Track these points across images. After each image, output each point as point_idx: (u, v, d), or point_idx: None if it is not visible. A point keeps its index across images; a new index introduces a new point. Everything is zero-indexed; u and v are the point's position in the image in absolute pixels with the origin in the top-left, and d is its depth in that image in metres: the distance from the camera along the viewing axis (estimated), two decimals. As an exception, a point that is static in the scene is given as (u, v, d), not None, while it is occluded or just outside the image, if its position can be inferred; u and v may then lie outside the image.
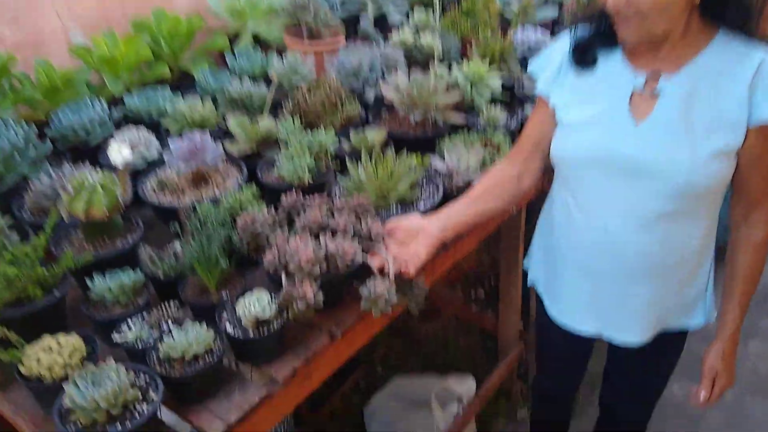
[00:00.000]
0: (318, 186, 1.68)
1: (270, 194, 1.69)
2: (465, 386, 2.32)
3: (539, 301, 1.77)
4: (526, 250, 2.28)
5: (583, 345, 1.81)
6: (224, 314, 1.27)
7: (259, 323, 1.23)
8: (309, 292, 1.22)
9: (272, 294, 1.28)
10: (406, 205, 1.56)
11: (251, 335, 1.21)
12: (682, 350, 1.67)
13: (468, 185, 1.70)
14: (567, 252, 1.55)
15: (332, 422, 2.52)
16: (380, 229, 1.37)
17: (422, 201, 1.57)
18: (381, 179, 1.53)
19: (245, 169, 1.72)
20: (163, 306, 1.29)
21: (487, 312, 2.78)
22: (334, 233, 1.41)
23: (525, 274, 2.35)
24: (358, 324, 1.39)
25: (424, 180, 1.66)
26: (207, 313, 1.28)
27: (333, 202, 1.47)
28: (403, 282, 1.39)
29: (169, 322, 1.25)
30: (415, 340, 2.97)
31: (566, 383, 1.95)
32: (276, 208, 1.45)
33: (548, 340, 1.84)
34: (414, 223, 1.40)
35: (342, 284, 1.36)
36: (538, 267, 1.73)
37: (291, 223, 1.46)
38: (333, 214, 1.46)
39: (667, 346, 1.62)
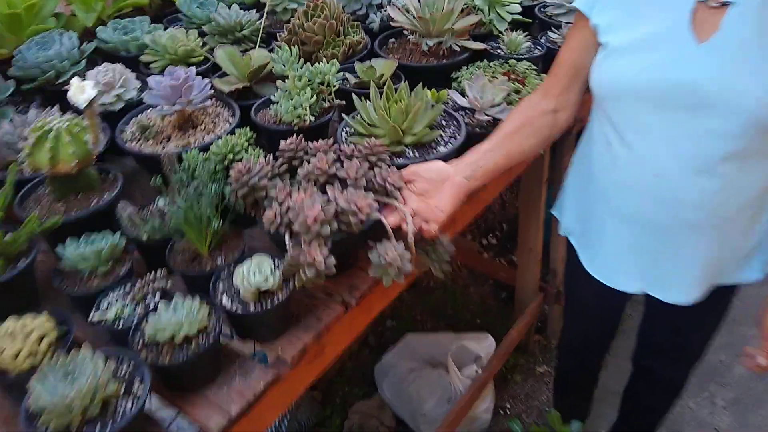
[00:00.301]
0: (321, 127, 1.46)
1: (267, 139, 1.48)
2: (483, 345, 2.16)
3: (571, 252, 1.59)
4: (549, 192, 2.10)
5: (620, 300, 1.64)
6: (220, 285, 1.09)
7: (261, 295, 1.05)
8: (318, 256, 1.03)
9: (275, 260, 1.09)
10: (424, 148, 1.35)
11: (252, 309, 1.03)
12: (730, 306, 1.50)
13: (493, 124, 1.48)
14: (609, 199, 1.35)
15: (340, 380, 2.39)
16: (397, 178, 1.17)
17: (443, 144, 1.36)
18: (395, 118, 1.31)
19: (237, 110, 1.50)
20: (148, 276, 1.09)
21: (500, 261, 2.61)
22: (343, 185, 1.21)
23: (546, 221, 2.17)
24: (375, 289, 1.21)
25: (443, 119, 1.44)
26: (200, 284, 1.09)
27: (340, 147, 1.26)
28: (424, 241, 1.20)
29: (157, 295, 1.06)
30: (424, 291, 2.81)
31: (598, 341, 1.79)
32: (275, 156, 1.24)
33: (581, 296, 1.67)
34: (436, 171, 1.20)
35: (356, 245, 1.17)
36: (571, 215, 1.53)
37: (293, 172, 1.26)
38: (341, 162, 1.25)
39: (716, 302, 1.44)
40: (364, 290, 1.18)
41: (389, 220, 1.13)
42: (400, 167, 1.23)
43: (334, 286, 1.17)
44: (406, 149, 1.34)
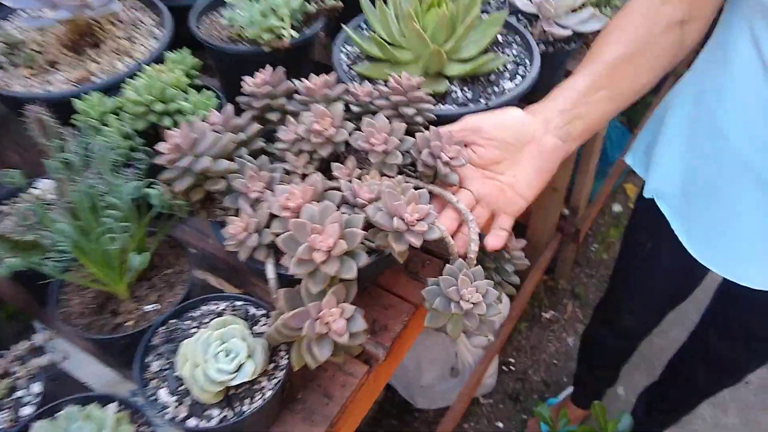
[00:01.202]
0: (304, 48, 0.93)
1: (219, 68, 0.94)
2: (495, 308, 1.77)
3: (645, 217, 1.15)
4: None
5: (698, 281, 1.25)
6: (154, 363, 0.60)
7: (232, 391, 0.57)
8: (337, 320, 0.56)
9: (250, 311, 0.61)
10: (479, 85, 0.84)
11: (216, 422, 0.56)
12: None
13: (574, 41, 0.98)
14: (750, 161, 0.89)
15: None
16: (456, 150, 0.67)
17: (508, 77, 0.85)
18: (433, 33, 0.79)
19: (168, 16, 0.93)
20: (13, 348, 0.60)
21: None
22: (361, 162, 0.71)
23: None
24: (411, 325, 0.75)
25: (500, 34, 0.92)
26: (116, 355, 0.60)
27: (348, 88, 0.74)
28: (490, 258, 0.75)
29: (34, 388, 0.58)
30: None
31: (654, 321, 1.41)
32: (238, 107, 0.72)
33: (650, 275, 1.25)
34: (512, 128, 0.71)
35: (382, 264, 0.70)
36: (669, 174, 1.06)
37: (269, 136, 0.75)
38: (353, 117, 0.74)
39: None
40: (394, 333, 0.72)
41: (454, 243, 0.66)
42: (444, 120, 0.73)
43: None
44: (452, 87, 0.83)
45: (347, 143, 0.69)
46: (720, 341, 1.31)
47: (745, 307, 1.18)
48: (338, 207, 0.64)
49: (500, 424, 1.87)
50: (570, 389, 1.83)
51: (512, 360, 2.05)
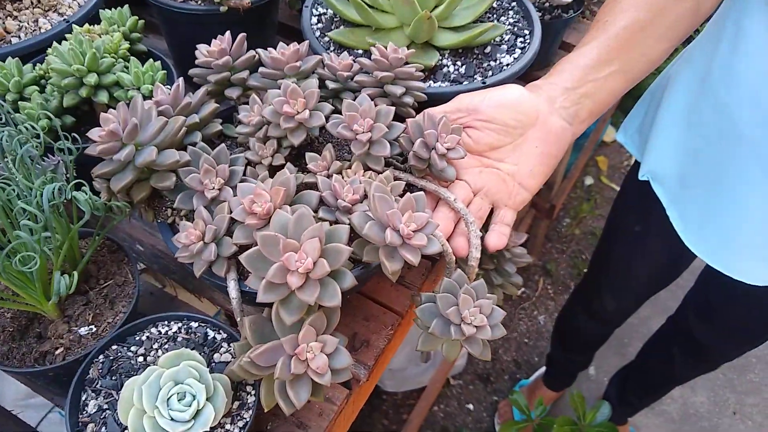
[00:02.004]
0: (265, 8, 0.79)
1: (168, 32, 0.80)
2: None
3: (636, 199, 1.08)
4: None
5: (683, 268, 1.19)
6: (90, 403, 0.49)
7: (186, 439, 0.46)
8: (316, 357, 0.45)
9: (210, 335, 0.50)
10: (473, 59, 0.73)
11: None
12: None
13: (581, 7, 0.87)
14: (759, 143, 0.81)
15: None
16: (455, 139, 0.56)
17: (505, 50, 0.74)
18: (419, -1, 0.68)
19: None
20: None
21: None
22: (338, 150, 0.60)
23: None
24: (393, 339, 0.66)
25: (497, 1, 0.81)
26: (44, 389, 0.49)
27: (324, 60, 0.62)
28: (488, 257, 0.65)
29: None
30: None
31: (634, 306, 1.35)
32: (191, 83, 0.60)
33: (634, 259, 1.18)
34: (513, 107, 0.61)
35: (370, 276, 0.59)
36: (666, 156, 0.97)
37: (227, 116, 0.62)
38: (329, 95, 0.62)
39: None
40: (378, 349, 0.62)
41: (456, 247, 0.56)
42: (435, 101, 0.62)
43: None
44: (442, 60, 0.71)
45: (323, 129, 0.58)
46: (700, 326, 1.26)
47: (729, 296, 1.12)
48: (315, 210, 0.53)
49: (470, 406, 1.82)
50: (542, 370, 1.79)
51: (482, 338, 1.99)
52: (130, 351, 0.50)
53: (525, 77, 0.76)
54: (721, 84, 0.82)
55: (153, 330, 0.52)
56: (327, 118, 0.57)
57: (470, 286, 0.55)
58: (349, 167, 0.57)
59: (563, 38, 0.96)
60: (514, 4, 0.79)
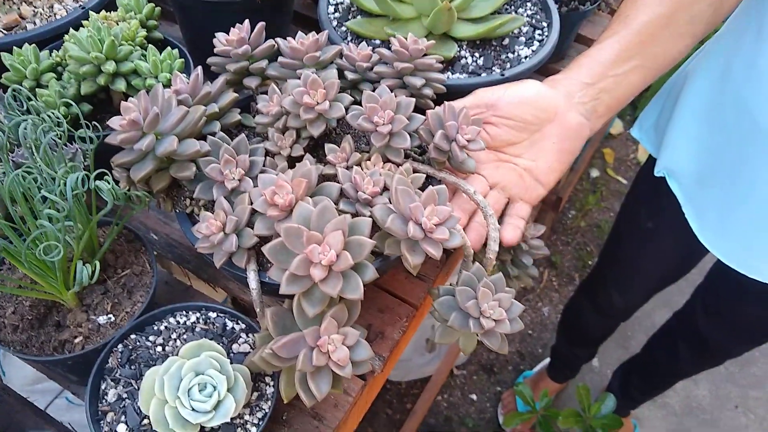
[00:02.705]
0: (278, 1, 0.79)
1: (185, 23, 0.80)
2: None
3: (650, 194, 1.08)
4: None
5: (695, 263, 1.19)
6: (110, 392, 0.49)
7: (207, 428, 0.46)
8: (338, 348, 0.45)
9: (230, 327, 0.50)
10: (491, 50, 0.72)
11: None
12: None
13: (598, 1, 0.87)
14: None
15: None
16: (475, 132, 0.56)
17: (523, 42, 0.73)
18: (437, -10, 0.67)
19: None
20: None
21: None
22: (356, 141, 0.60)
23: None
24: (408, 331, 0.66)
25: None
26: (63, 378, 0.49)
27: (342, 51, 0.62)
28: (505, 249, 0.65)
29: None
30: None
31: (642, 301, 1.35)
32: (207, 71, 0.59)
33: (644, 254, 1.18)
34: (532, 103, 0.61)
35: (390, 268, 0.59)
36: (684, 151, 0.97)
37: (246, 105, 0.62)
38: (348, 86, 0.62)
39: None
40: (393, 341, 0.62)
41: (469, 240, 0.56)
42: (453, 94, 0.62)
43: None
44: (460, 51, 0.71)
45: (343, 122, 0.57)
46: (707, 322, 1.26)
47: (741, 293, 1.12)
48: (336, 202, 0.53)
49: (474, 396, 1.83)
50: (546, 361, 1.79)
51: (485, 329, 1.99)
52: (149, 341, 0.50)
53: (542, 70, 0.76)
54: (742, 80, 0.82)
55: (171, 320, 0.52)
56: (347, 110, 0.56)
57: (489, 280, 0.55)
58: (368, 159, 0.57)
59: (579, 31, 0.95)
60: (531, -3, 0.79)
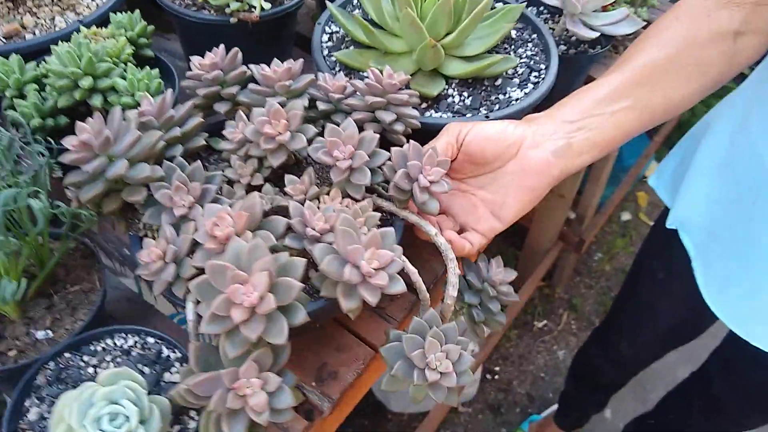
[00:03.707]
0: (281, 23, 0.79)
1: (186, 41, 0.81)
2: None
3: (667, 247, 1.03)
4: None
5: (710, 320, 1.12)
6: (32, 410, 0.48)
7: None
8: (256, 394, 0.43)
9: (165, 359, 0.49)
10: (481, 90, 0.70)
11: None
12: None
13: (609, 43, 0.84)
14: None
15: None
16: (439, 173, 0.54)
17: (517, 84, 0.71)
18: (431, 22, 0.65)
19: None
20: None
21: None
22: (321, 174, 0.59)
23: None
24: (364, 374, 0.63)
25: (516, 31, 0.78)
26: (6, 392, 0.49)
27: (317, 77, 0.61)
28: (473, 293, 0.63)
29: None
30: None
31: (652, 355, 1.29)
32: (180, 91, 0.59)
33: (656, 304, 1.13)
34: (494, 138, 0.58)
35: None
36: (699, 204, 0.92)
37: (216, 131, 0.61)
38: (320, 117, 0.61)
39: None
40: (345, 383, 0.60)
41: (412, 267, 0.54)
42: (432, 132, 0.60)
43: (288, 367, 0.59)
44: (449, 90, 0.69)
45: (305, 156, 0.56)
46: (722, 383, 1.19)
47: (753, 358, 1.05)
48: (283, 235, 0.51)
49: (477, 436, 1.77)
50: (554, 407, 1.73)
51: (497, 368, 1.94)
52: (83, 361, 0.50)
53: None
54: (758, 132, 0.78)
55: (109, 341, 0.51)
56: (310, 141, 0.55)
57: (440, 329, 0.52)
58: (327, 192, 0.56)
59: (591, 74, 0.92)
60: (534, 36, 0.76)
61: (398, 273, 0.48)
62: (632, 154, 2.05)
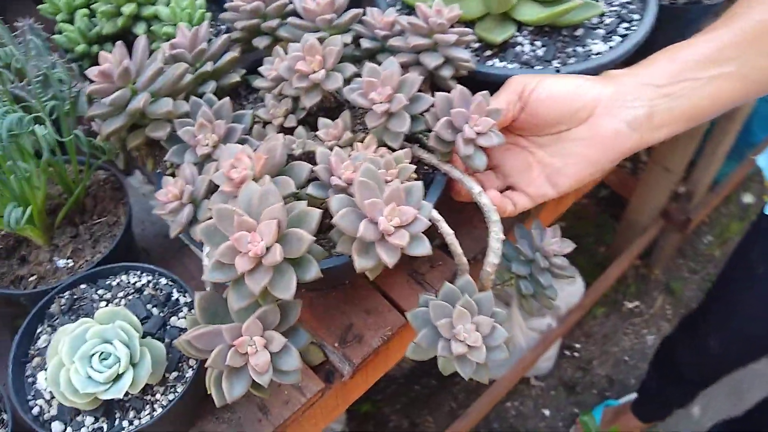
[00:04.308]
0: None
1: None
2: (567, 291, 1.54)
3: (761, 233, 0.90)
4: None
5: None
6: (41, 337, 0.48)
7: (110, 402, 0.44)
8: (259, 353, 0.40)
9: (174, 302, 0.47)
10: (557, 41, 0.61)
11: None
12: None
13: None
14: None
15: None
16: (490, 124, 0.47)
17: (601, 35, 0.61)
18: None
19: None
20: None
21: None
22: (354, 119, 0.54)
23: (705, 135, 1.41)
24: (391, 342, 0.59)
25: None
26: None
27: (363, 15, 0.55)
28: (523, 263, 0.56)
29: None
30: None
31: (743, 355, 1.15)
32: (218, 24, 0.56)
33: (752, 300, 1.00)
34: (566, 97, 0.50)
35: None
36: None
37: (253, 68, 0.57)
38: (363, 54, 0.56)
39: None
40: (369, 348, 0.56)
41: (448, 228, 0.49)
42: (492, 82, 0.53)
43: (312, 325, 0.56)
44: (519, 36, 0.61)
45: (341, 96, 0.51)
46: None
47: None
48: (307, 183, 0.47)
49: (547, 412, 1.70)
50: (634, 395, 1.61)
51: (578, 345, 1.84)
52: (97, 294, 0.49)
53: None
54: None
55: (124, 277, 0.50)
56: (348, 81, 0.50)
57: (473, 298, 0.47)
58: (361, 140, 0.50)
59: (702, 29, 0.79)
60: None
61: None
62: (764, 127, 1.80)
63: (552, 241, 0.56)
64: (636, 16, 0.62)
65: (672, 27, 0.72)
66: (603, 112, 0.49)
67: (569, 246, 0.57)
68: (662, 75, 0.50)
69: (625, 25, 0.61)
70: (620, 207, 1.82)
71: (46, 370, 0.44)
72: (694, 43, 0.52)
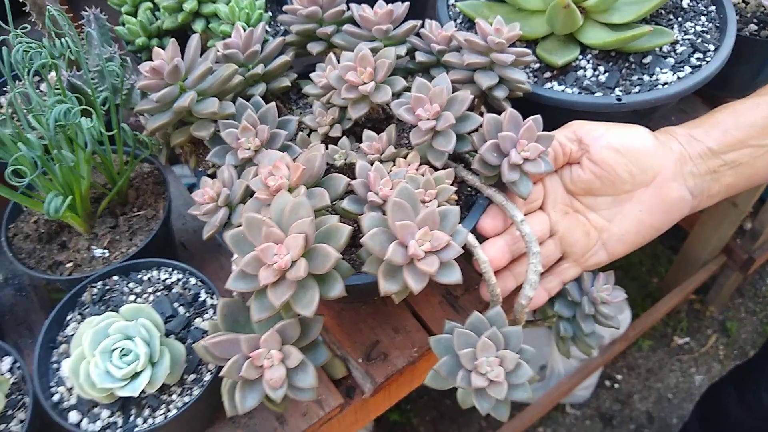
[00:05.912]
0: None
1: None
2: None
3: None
4: None
5: None
6: (70, 325, 0.49)
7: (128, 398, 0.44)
8: (275, 367, 0.40)
9: (201, 303, 0.47)
10: (623, 68, 0.58)
11: (97, 428, 0.44)
12: None
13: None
14: None
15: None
16: (534, 145, 0.45)
17: (669, 64, 0.58)
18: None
19: None
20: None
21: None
22: (399, 131, 0.53)
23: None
24: (418, 364, 0.57)
25: (690, 2, 0.64)
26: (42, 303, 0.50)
27: (421, 27, 0.53)
28: (567, 304, 0.54)
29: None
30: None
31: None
32: (276, 25, 0.56)
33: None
34: (635, 157, 0.47)
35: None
36: None
37: (306, 73, 0.57)
38: (417, 68, 0.54)
39: None
40: (394, 368, 0.55)
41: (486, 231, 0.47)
42: (547, 107, 0.51)
43: (338, 337, 0.55)
44: (582, 60, 0.58)
45: (388, 110, 0.50)
46: None
47: None
48: (339, 199, 0.46)
49: (579, 443, 1.65)
50: (674, 436, 1.54)
51: (619, 377, 1.77)
52: (127, 287, 0.49)
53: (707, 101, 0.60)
54: None
55: (155, 273, 0.50)
56: (398, 95, 0.49)
57: (501, 331, 0.45)
58: (405, 156, 0.49)
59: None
60: (712, 8, 0.62)
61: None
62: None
63: (603, 287, 0.53)
64: (711, 47, 0.58)
65: (751, 61, 0.68)
66: (670, 177, 0.46)
67: (621, 295, 0.55)
68: (724, 140, 0.48)
69: (699, 55, 0.58)
70: (677, 239, 1.74)
71: (70, 358, 0.45)
72: (760, 103, 0.49)
